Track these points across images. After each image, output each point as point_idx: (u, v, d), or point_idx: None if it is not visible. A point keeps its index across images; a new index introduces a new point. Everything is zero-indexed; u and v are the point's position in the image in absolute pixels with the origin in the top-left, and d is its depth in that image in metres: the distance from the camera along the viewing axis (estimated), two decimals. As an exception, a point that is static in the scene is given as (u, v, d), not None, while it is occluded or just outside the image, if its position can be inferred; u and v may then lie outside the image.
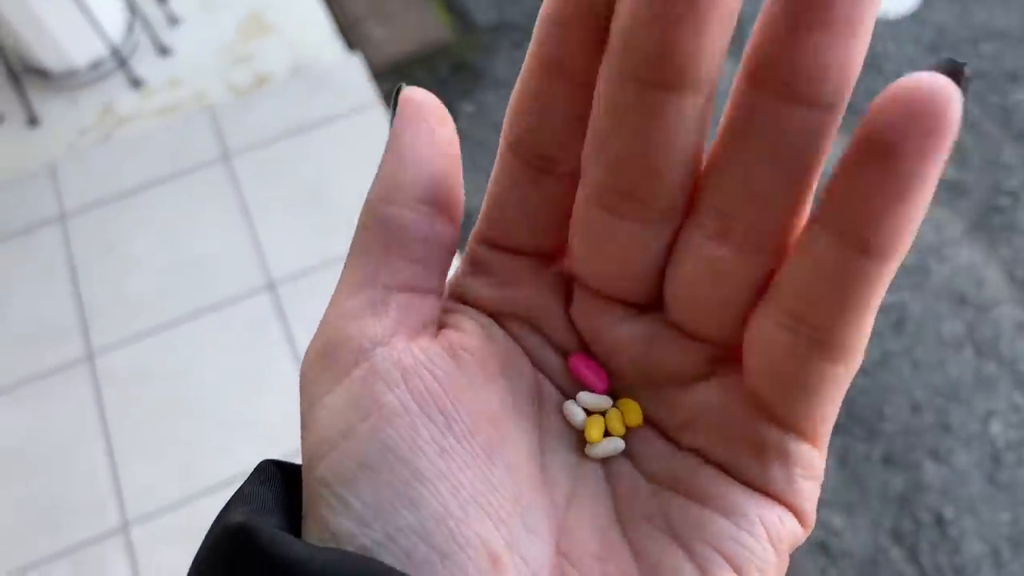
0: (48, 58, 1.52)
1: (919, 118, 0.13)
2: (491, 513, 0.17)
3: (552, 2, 0.16)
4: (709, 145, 0.17)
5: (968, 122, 1.46)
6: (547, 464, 0.19)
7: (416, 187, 0.18)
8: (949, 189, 1.40)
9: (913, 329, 1.28)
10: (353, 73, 1.53)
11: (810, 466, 0.18)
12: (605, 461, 0.20)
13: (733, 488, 0.18)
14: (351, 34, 1.62)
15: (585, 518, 0.19)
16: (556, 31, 0.16)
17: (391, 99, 0.19)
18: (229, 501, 0.17)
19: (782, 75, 0.15)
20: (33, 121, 1.54)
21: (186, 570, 0.17)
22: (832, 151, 0.15)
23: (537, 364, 0.20)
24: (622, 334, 0.20)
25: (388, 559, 0.16)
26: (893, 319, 1.28)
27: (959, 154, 1.43)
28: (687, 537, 0.18)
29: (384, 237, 0.18)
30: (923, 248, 1.34)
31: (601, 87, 0.16)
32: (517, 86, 0.18)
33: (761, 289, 0.17)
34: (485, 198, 0.20)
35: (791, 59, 0.14)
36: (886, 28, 1.57)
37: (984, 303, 1.29)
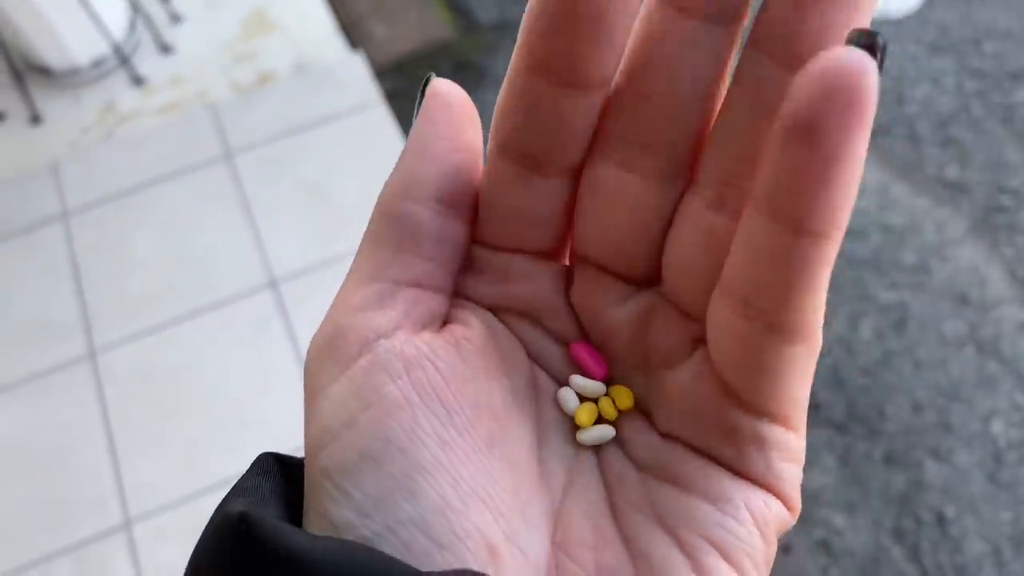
0: (50, 56, 1.52)
1: (836, 93, 0.13)
2: (490, 505, 0.17)
3: (537, 1, 0.16)
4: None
5: (971, 121, 1.46)
6: (544, 455, 0.20)
7: (433, 184, 0.19)
8: (951, 188, 1.40)
9: (915, 329, 1.27)
10: (355, 71, 1.53)
11: (787, 448, 0.18)
12: (598, 450, 0.20)
13: (717, 474, 0.18)
14: (353, 32, 1.62)
15: (580, 508, 0.19)
16: (542, 30, 0.16)
17: (420, 89, 0.19)
18: (229, 493, 0.17)
19: (786, 40, 0.15)
20: (35, 119, 1.54)
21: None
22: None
23: (536, 355, 0.21)
24: (619, 313, 0.20)
25: (387, 550, 0.16)
26: (895, 319, 1.28)
27: (961, 153, 1.43)
28: (674, 525, 0.18)
29: (397, 232, 0.19)
30: (925, 248, 1.34)
31: (642, 23, 0.17)
32: (504, 86, 0.18)
33: None
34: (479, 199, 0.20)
35: (796, 25, 0.15)
36: (889, 27, 1.57)
37: (986, 303, 1.29)
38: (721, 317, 0.17)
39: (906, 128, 1.46)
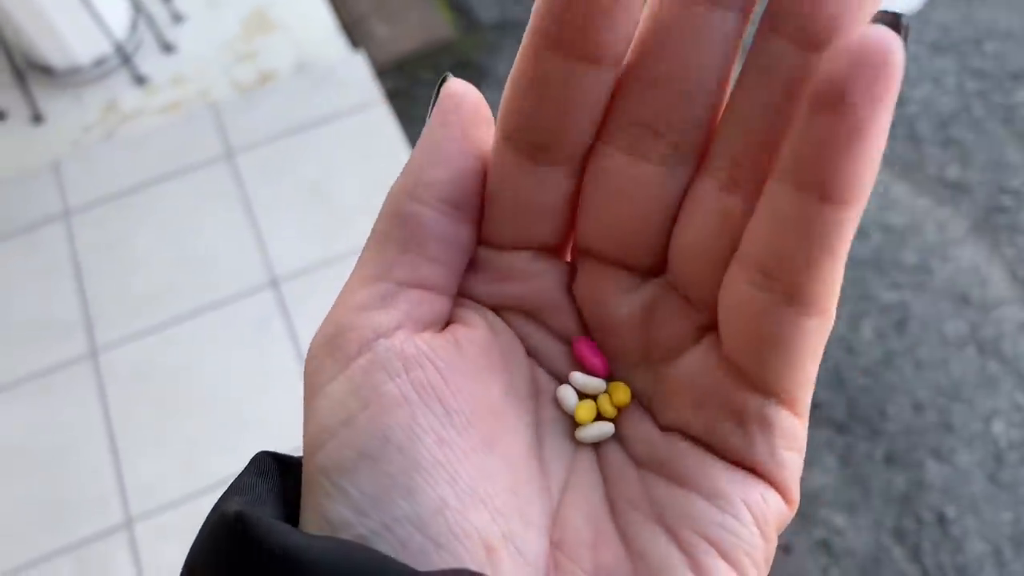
0: (52, 55, 1.52)
1: (865, 66, 0.14)
2: (488, 505, 0.17)
3: None
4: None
5: (972, 121, 1.46)
6: (544, 454, 0.20)
7: (441, 185, 0.19)
8: (952, 188, 1.40)
9: (916, 329, 1.27)
10: (357, 71, 1.53)
11: (792, 436, 0.18)
12: (598, 447, 0.20)
13: (716, 469, 0.18)
14: (355, 32, 1.62)
15: (579, 506, 0.19)
16: (558, 3, 0.17)
17: (436, 87, 0.19)
18: (225, 492, 0.17)
19: (803, 20, 0.15)
20: (37, 118, 1.54)
21: (186, 562, 0.17)
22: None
23: (537, 353, 0.21)
24: (623, 305, 0.20)
25: (384, 548, 0.16)
26: (896, 319, 1.28)
27: (963, 153, 1.43)
28: (673, 524, 0.18)
29: (403, 233, 0.19)
30: (926, 248, 1.34)
31: (652, 7, 0.17)
32: (512, 72, 0.18)
33: None
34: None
35: (813, 4, 0.15)
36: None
37: (987, 303, 1.29)
38: (737, 291, 0.17)
39: (907, 128, 1.46)
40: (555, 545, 0.18)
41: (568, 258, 0.21)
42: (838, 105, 0.14)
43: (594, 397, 0.20)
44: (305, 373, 0.19)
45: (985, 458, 1.17)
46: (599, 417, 0.20)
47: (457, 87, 0.19)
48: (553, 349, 0.21)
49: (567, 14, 0.16)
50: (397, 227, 0.19)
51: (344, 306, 0.19)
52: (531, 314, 0.20)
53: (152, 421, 1.23)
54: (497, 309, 0.20)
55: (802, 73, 0.16)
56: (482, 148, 0.19)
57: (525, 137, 0.18)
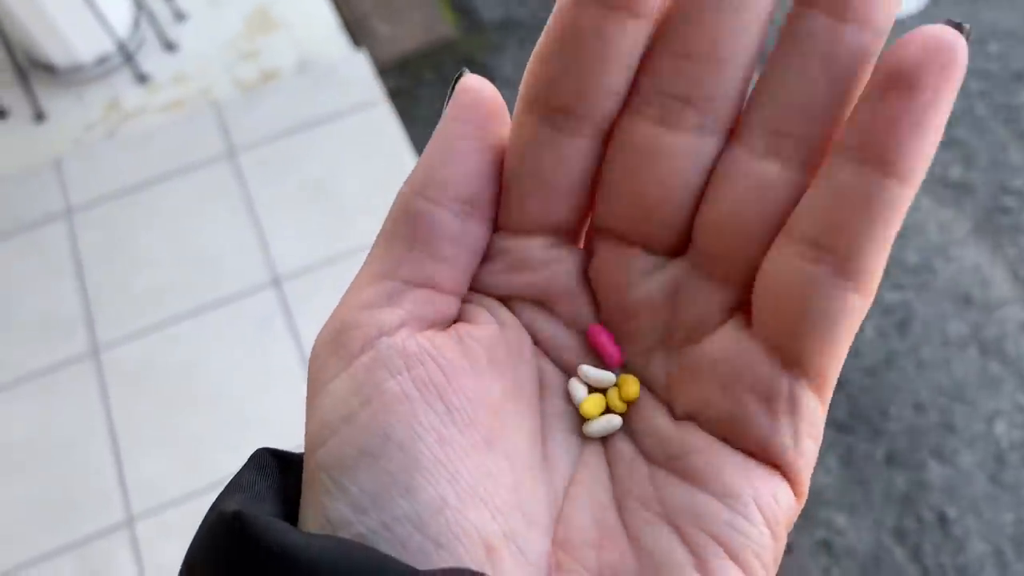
0: (54, 53, 1.52)
1: (935, 54, 0.15)
2: (489, 503, 0.17)
3: None
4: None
5: (974, 121, 1.46)
6: (549, 450, 0.19)
7: (453, 184, 0.18)
8: (955, 189, 1.39)
9: (918, 329, 1.27)
10: (359, 70, 1.53)
11: (813, 423, 0.18)
12: (607, 442, 0.20)
13: (729, 464, 0.18)
14: (357, 30, 1.62)
15: (584, 504, 0.19)
16: None
17: (451, 83, 0.19)
18: (224, 489, 0.17)
19: None
20: (39, 116, 1.54)
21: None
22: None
23: (547, 344, 0.20)
24: (644, 287, 0.19)
25: (383, 547, 0.16)
26: (898, 319, 1.28)
27: (965, 154, 1.43)
28: (682, 522, 0.18)
29: (411, 232, 0.18)
30: (928, 248, 1.34)
31: None
32: (541, 39, 0.18)
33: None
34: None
35: None
36: (895, 27, 1.57)
37: (989, 303, 1.29)
38: (784, 263, 0.17)
39: (910, 128, 1.45)
40: (558, 544, 0.18)
41: (581, 244, 0.21)
42: (911, 85, 0.15)
43: (603, 391, 0.20)
44: (309, 369, 0.19)
45: (986, 459, 1.17)
46: (607, 411, 0.20)
47: (473, 82, 0.19)
48: (564, 339, 0.20)
49: None
50: (405, 225, 0.18)
51: (349, 304, 0.18)
52: (543, 303, 0.20)
53: (154, 419, 1.24)
54: (508, 299, 0.20)
55: (837, 45, 0.17)
56: (498, 144, 0.19)
57: (551, 101, 0.18)
